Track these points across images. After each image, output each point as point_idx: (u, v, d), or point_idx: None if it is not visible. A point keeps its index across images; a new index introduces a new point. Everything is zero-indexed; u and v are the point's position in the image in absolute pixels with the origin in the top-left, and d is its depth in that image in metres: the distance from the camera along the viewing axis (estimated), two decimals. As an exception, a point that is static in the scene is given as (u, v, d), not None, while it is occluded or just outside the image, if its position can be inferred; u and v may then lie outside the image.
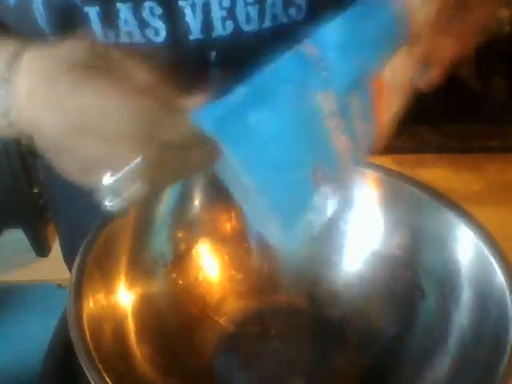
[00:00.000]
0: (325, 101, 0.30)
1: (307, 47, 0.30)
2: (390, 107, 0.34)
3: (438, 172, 0.88)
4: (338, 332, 0.52)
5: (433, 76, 0.39)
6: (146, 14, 0.45)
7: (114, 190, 0.34)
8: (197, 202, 0.53)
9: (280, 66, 0.29)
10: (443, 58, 0.38)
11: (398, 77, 0.33)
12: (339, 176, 0.34)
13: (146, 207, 0.50)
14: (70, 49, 0.35)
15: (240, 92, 0.29)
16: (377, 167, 0.53)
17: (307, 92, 0.29)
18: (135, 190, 0.34)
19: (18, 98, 0.36)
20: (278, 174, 0.31)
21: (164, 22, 0.45)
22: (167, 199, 0.51)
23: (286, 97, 0.29)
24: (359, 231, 0.54)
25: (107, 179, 0.33)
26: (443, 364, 0.46)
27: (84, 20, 0.45)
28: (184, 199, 0.52)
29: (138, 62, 0.35)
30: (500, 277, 0.44)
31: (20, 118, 0.36)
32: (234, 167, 0.30)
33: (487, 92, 0.98)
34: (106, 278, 0.46)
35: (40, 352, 0.66)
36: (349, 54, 0.30)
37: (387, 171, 0.53)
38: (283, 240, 0.35)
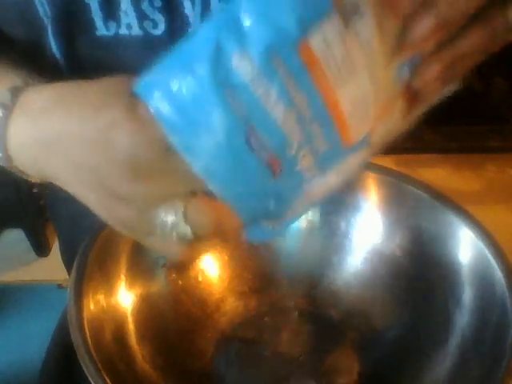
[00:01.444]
0: (242, 62, 0.28)
1: (223, 9, 0.29)
2: (343, 85, 0.32)
3: (438, 172, 0.88)
4: (338, 332, 0.52)
5: (427, 75, 0.35)
6: (145, 6, 0.45)
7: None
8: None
9: (200, 28, 0.29)
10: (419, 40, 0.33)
11: (333, 51, 0.30)
12: (287, 153, 0.32)
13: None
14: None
15: (166, 58, 0.29)
16: (377, 167, 0.53)
17: (223, 53, 0.28)
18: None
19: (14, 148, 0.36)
20: (211, 139, 0.30)
21: (163, 15, 0.45)
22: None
23: (202, 59, 0.28)
24: (359, 231, 0.54)
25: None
26: (444, 364, 0.46)
27: (85, 11, 0.45)
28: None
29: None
30: (500, 276, 0.44)
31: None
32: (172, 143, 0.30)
33: (487, 92, 0.98)
34: (106, 278, 0.46)
35: (40, 352, 0.66)
36: (264, 13, 0.28)
37: (387, 171, 0.53)
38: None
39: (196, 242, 0.34)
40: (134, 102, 0.32)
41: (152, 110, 0.29)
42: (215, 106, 0.29)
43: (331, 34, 0.30)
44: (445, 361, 0.46)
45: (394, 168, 0.53)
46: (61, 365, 0.61)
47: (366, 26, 0.31)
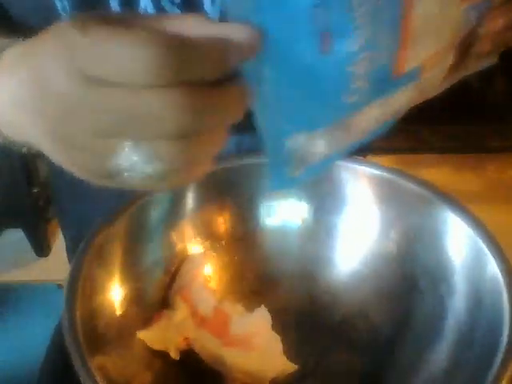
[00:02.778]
0: None
1: None
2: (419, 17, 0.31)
3: (438, 172, 0.88)
4: (338, 331, 0.52)
5: (492, 26, 0.35)
6: (165, 2, 0.45)
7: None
8: (190, 204, 0.53)
9: None
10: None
11: None
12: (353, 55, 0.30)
13: (141, 210, 0.49)
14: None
15: None
16: (373, 165, 0.53)
17: None
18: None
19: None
20: (287, 25, 0.28)
21: (182, 11, 0.45)
22: (162, 202, 0.51)
23: None
24: (358, 230, 0.54)
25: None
26: (440, 359, 0.46)
27: (104, 7, 0.45)
28: (179, 202, 0.52)
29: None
30: (497, 272, 0.44)
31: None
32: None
33: (487, 92, 0.98)
34: (101, 280, 0.46)
35: (40, 352, 0.66)
36: None
37: (382, 168, 0.53)
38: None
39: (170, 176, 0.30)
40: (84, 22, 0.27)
41: None
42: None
43: None
44: (441, 356, 0.46)
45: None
46: (60, 364, 0.61)
47: None
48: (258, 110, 0.31)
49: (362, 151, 0.64)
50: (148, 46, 0.25)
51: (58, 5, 0.45)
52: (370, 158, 0.64)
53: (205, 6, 0.45)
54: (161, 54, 0.25)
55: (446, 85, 0.38)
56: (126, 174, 0.29)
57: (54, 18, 0.46)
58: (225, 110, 0.28)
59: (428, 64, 0.34)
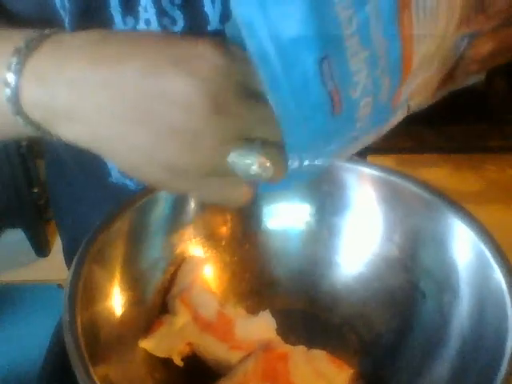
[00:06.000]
0: None
1: None
2: (421, 40, 0.31)
3: (438, 172, 0.88)
4: (338, 334, 0.52)
5: (480, 50, 0.36)
6: (165, 2, 0.45)
7: None
8: (191, 205, 0.53)
9: None
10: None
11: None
12: (348, 92, 0.31)
13: (141, 212, 0.49)
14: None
15: None
16: (375, 166, 0.53)
17: None
18: None
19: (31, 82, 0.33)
20: (285, 48, 0.29)
21: (182, 12, 0.45)
22: (162, 203, 0.51)
23: None
24: (359, 232, 0.54)
25: None
26: (443, 366, 0.46)
27: (104, 5, 0.45)
28: (179, 202, 0.52)
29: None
30: (500, 276, 0.44)
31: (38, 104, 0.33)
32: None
33: (487, 92, 0.98)
34: (103, 284, 0.46)
35: (40, 352, 0.66)
36: None
37: (386, 170, 0.52)
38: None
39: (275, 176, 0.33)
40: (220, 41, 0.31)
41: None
42: (301, 13, 0.28)
43: None
44: (444, 362, 0.46)
45: (394, 168, 0.53)
46: (60, 365, 0.61)
47: None
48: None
49: (362, 151, 0.64)
50: None
51: (57, 2, 0.45)
52: (370, 158, 0.64)
53: (205, 8, 0.45)
54: None
55: (432, 101, 0.38)
56: (232, 170, 0.32)
57: (50, 14, 0.46)
58: None
59: (416, 91, 0.35)
